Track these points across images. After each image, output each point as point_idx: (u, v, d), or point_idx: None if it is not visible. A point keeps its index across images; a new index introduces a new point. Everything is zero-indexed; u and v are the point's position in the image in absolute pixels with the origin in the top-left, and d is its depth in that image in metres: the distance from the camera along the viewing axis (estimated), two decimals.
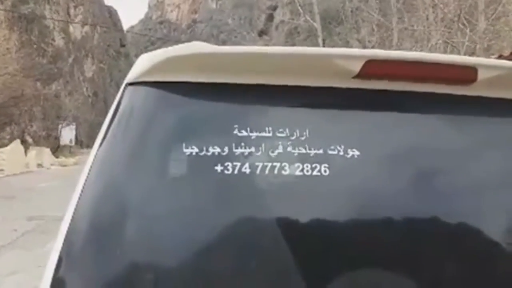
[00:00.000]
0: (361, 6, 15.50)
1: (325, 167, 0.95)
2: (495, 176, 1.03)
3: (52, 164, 21.14)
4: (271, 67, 1.02)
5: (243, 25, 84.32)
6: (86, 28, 45.44)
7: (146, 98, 1.03)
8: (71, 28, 40.81)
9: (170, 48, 1.03)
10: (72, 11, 41.18)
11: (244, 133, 0.98)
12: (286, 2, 54.48)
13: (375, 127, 1.03)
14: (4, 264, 5.31)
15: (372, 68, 1.00)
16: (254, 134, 0.98)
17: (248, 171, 0.94)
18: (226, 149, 0.96)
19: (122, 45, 69.26)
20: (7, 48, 18.72)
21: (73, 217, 0.95)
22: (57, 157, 23.30)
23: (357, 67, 0.99)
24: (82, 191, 0.96)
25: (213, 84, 1.02)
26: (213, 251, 0.90)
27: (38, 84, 24.81)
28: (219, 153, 0.95)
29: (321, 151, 0.96)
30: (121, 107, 1.06)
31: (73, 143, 30.44)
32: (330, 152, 0.97)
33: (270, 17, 65.09)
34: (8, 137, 21.12)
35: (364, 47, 14.89)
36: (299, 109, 1.04)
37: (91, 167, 0.99)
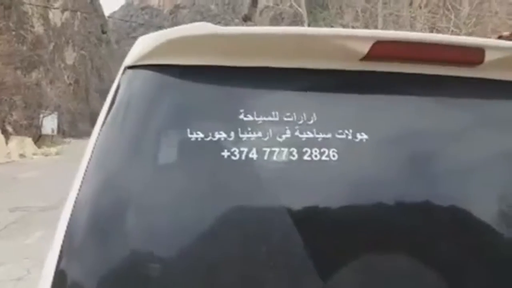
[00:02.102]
0: None
1: (333, 151, 0.93)
2: (505, 159, 1.02)
3: (34, 154, 20.72)
4: (278, 48, 0.99)
5: (227, 11, 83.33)
6: (66, 14, 44.28)
7: (147, 82, 0.99)
8: (50, 15, 39.72)
9: (172, 29, 1.00)
10: None
11: (250, 118, 0.95)
12: None
13: (383, 110, 1.01)
14: None
15: (380, 50, 0.97)
16: (260, 119, 0.95)
17: (255, 156, 0.91)
18: (232, 134, 0.93)
19: (103, 32, 67.74)
20: None
21: (73, 209, 0.91)
22: (39, 147, 22.85)
23: (365, 48, 0.97)
24: (82, 181, 0.93)
25: (218, 67, 0.99)
26: (221, 240, 0.87)
27: (18, 72, 24.17)
28: (225, 138, 0.92)
29: (329, 136, 0.94)
30: (120, 92, 1.01)
31: (55, 133, 29.85)
32: (338, 136, 0.95)
33: (254, 3, 64.53)
34: None
35: None
36: (306, 92, 1.01)
37: (90, 156, 0.95)
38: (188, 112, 0.96)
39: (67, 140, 31.54)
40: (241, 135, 0.93)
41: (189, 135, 0.92)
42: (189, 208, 0.90)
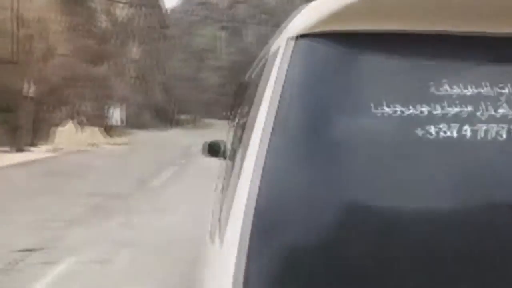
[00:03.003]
0: None
1: None
2: None
3: (106, 144, 21.99)
4: (471, 11, 0.87)
5: (285, 4, 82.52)
6: (131, 10, 46.27)
7: (324, 53, 0.89)
8: (117, 10, 41.72)
9: None
10: None
11: (443, 91, 0.84)
12: None
13: None
14: (76, 238, 5.46)
15: None
16: (455, 92, 0.84)
17: (455, 135, 0.81)
18: (425, 109, 0.82)
19: (166, 27, 70.01)
20: (60, 31, 19.38)
21: (255, 206, 0.80)
22: (109, 136, 24.19)
23: None
24: (262, 175, 0.82)
25: (402, 34, 0.88)
26: (419, 232, 0.77)
27: (89, 66, 25.63)
28: (416, 114, 0.82)
29: None
30: (290, 66, 0.90)
31: (123, 123, 31.47)
32: None
33: None
34: (63, 117, 22.11)
35: None
36: (504, 63, 0.88)
37: (268, 147, 0.84)
38: (373, 85, 0.87)
39: (133, 130, 33.13)
40: (436, 111, 0.82)
41: (374, 111, 0.83)
42: (388, 196, 0.79)
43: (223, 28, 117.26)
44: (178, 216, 6.79)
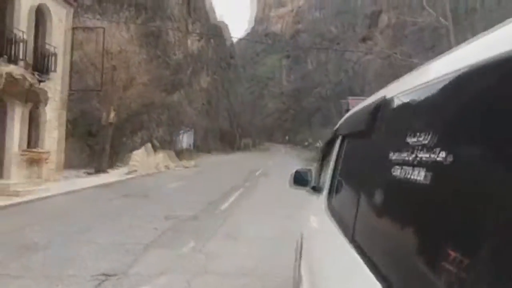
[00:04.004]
0: None
1: None
2: None
3: (176, 166, 22.82)
4: None
5: (346, 31, 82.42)
6: (202, 42, 48.77)
7: None
8: (189, 42, 44.19)
9: None
10: (190, 26, 44.56)
11: None
12: (393, 6, 51.86)
13: None
14: (152, 263, 5.44)
15: None
16: None
17: None
18: None
19: (231, 57, 72.84)
20: (139, 62, 20.80)
21: None
22: (179, 159, 25.14)
23: None
24: None
25: None
26: None
27: (164, 94, 27.13)
28: None
29: None
30: None
31: (192, 147, 32.69)
32: None
33: (374, 23, 62.80)
34: (139, 141, 23.42)
35: None
36: None
37: None
38: None
39: (200, 154, 34.26)
40: None
41: None
42: None
43: (285, 56, 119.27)
44: (251, 247, 6.76)
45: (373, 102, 1.50)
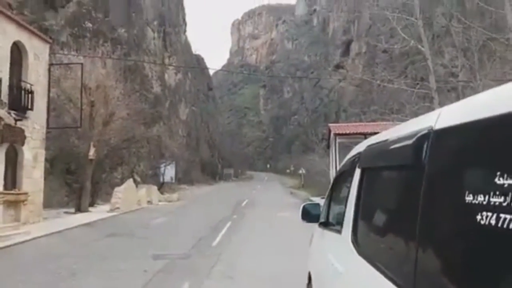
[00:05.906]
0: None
1: None
2: None
3: (159, 201, 22.24)
4: None
5: (319, 61, 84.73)
6: (179, 75, 48.97)
7: None
8: (166, 76, 44.28)
9: None
10: (166, 60, 44.79)
11: None
12: (362, 35, 53.77)
13: None
14: None
15: None
16: None
17: None
18: None
19: (210, 89, 73.29)
20: (117, 97, 20.51)
21: None
22: (161, 193, 24.54)
23: None
24: None
25: None
26: None
27: (143, 127, 26.77)
28: None
29: None
30: None
31: (174, 180, 32.08)
32: None
33: (346, 51, 64.89)
34: (119, 176, 22.79)
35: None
36: None
37: None
38: None
39: (183, 186, 33.62)
40: None
41: None
42: None
43: (262, 86, 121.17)
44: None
45: (413, 134, 1.31)
